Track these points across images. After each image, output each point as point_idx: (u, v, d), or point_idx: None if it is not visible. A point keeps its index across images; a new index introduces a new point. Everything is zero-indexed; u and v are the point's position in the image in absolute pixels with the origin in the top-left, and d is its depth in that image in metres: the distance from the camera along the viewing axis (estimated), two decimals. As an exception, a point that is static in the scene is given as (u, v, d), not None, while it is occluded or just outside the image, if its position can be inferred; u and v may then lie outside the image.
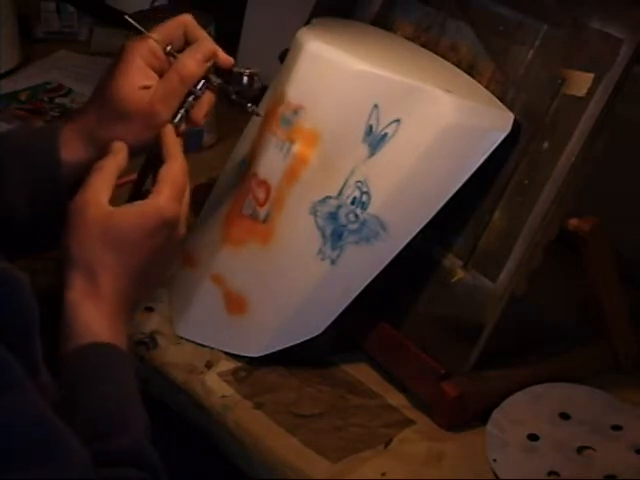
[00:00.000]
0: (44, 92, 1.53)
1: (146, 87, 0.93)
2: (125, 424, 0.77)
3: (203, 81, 0.95)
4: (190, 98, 0.95)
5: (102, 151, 0.91)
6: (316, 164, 0.95)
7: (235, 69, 0.98)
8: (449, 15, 1.02)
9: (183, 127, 0.95)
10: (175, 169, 0.89)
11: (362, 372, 0.98)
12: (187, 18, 0.98)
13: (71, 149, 0.93)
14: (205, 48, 0.95)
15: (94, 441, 0.72)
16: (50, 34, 1.68)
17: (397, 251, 0.93)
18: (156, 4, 1.42)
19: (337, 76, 0.95)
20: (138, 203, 0.86)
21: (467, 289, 0.93)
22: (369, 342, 0.97)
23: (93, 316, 0.81)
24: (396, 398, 0.95)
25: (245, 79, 0.97)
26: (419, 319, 0.95)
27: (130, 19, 0.99)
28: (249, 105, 0.98)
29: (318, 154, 0.95)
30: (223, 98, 0.98)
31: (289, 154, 0.96)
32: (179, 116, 0.95)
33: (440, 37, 1.03)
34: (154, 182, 0.89)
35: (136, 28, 0.97)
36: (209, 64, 0.95)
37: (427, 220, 0.92)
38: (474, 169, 0.92)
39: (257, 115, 1.00)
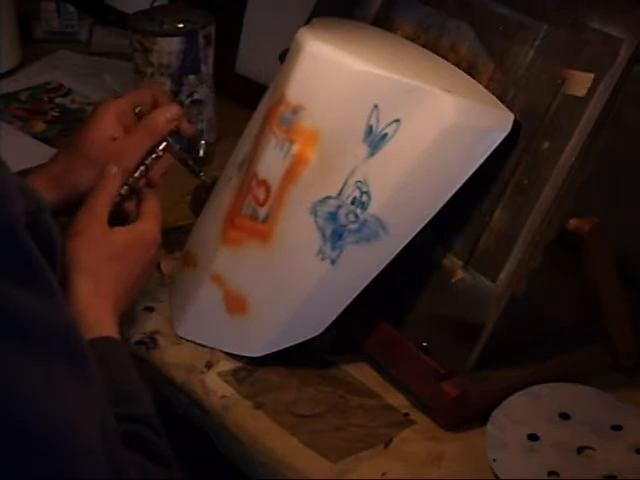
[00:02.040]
0: (44, 92, 1.53)
1: (114, 139, 1.03)
2: (137, 398, 0.84)
3: (165, 143, 1.04)
4: (152, 156, 1.04)
5: (67, 195, 1.01)
6: (316, 164, 0.95)
7: (193, 137, 1.09)
8: (449, 15, 1.02)
9: (142, 183, 1.03)
10: (156, 204, 1.02)
11: (362, 372, 0.98)
12: (156, 86, 1.13)
13: None
14: (173, 110, 1.05)
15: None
16: (50, 34, 1.68)
17: (397, 251, 0.93)
18: (156, 4, 1.42)
19: (337, 76, 0.95)
20: (133, 226, 0.99)
21: (467, 289, 0.93)
22: (369, 342, 0.97)
23: (102, 313, 0.91)
24: (396, 398, 0.95)
25: (202, 150, 1.11)
26: (419, 319, 0.95)
27: (108, 79, 1.15)
28: (202, 174, 1.08)
29: (318, 154, 0.95)
30: (179, 162, 1.08)
31: (289, 154, 0.96)
32: (139, 171, 1.02)
33: (440, 37, 1.03)
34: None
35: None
36: (174, 125, 1.05)
37: (427, 220, 0.92)
38: (474, 169, 0.92)
39: (206, 182, 1.09)
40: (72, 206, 0.99)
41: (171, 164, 1.07)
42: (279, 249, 0.96)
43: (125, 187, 1.01)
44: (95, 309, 0.90)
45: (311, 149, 0.95)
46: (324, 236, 0.94)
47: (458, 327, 0.92)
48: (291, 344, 0.96)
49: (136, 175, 1.02)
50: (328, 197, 0.94)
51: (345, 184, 0.94)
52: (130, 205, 1.02)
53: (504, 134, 0.92)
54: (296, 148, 0.95)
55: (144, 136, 1.04)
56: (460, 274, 0.94)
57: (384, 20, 1.08)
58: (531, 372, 0.94)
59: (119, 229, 0.97)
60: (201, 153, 1.09)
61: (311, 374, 0.97)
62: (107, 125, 1.03)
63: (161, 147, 1.04)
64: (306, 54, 0.97)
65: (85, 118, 1.07)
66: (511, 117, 0.93)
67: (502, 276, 0.91)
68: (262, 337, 0.97)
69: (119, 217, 1.00)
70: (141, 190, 1.03)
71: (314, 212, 0.95)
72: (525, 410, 0.91)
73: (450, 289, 0.94)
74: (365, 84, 0.93)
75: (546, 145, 0.91)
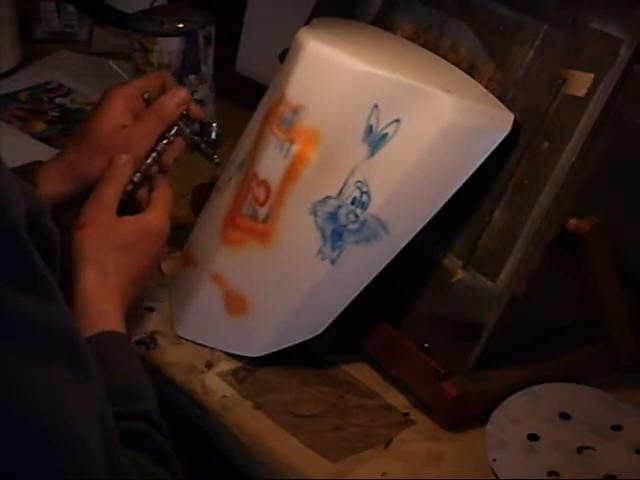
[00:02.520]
0: (44, 92, 1.53)
1: (124, 126, 1.02)
2: (139, 395, 0.84)
3: (176, 127, 1.04)
4: (163, 142, 1.03)
5: (78, 185, 1.01)
6: (316, 164, 0.95)
7: (204, 120, 1.08)
8: (449, 15, 1.02)
9: (155, 169, 1.02)
10: (168, 190, 1.01)
11: (362, 372, 0.98)
12: (164, 73, 1.12)
13: (48, 183, 1.00)
14: (181, 93, 1.05)
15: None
16: (50, 34, 1.68)
17: (397, 251, 0.93)
18: (156, 4, 1.42)
19: (337, 76, 0.95)
20: (142, 215, 0.98)
21: (467, 289, 0.93)
22: (369, 342, 0.97)
23: (108, 306, 0.91)
24: (396, 398, 0.95)
25: (214, 132, 1.08)
26: (419, 319, 0.95)
27: (114, 65, 1.13)
28: (215, 157, 1.08)
29: (318, 154, 0.95)
30: (191, 147, 1.07)
31: (289, 154, 0.96)
32: (151, 158, 1.02)
33: (440, 37, 1.03)
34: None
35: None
36: (183, 108, 1.04)
37: (427, 220, 0.92)
38: (474, 169, 0.92)
39: (218, 164, 1.08)
40: (83, 197, 0.98)
41: (182, 149, 1.06)
42: (279, 249, 0.96)
43: (138, 174, 1.01)
44: (101, 301, 0.90)
45: (311, 149, 0.95)
46: (324, 236, 0.94)
47: (458, 327, 0.92)
48: (291, 344, 0.96)
49: (148, 162, 1.02)
50: (328, 197, 0.94)
51: (345, 184, 0.94)
52: (143, 192, 1.01)
53: (504, 134, 0.92)
54: (296, 148, 0.95)
55: (154, 122, 1.03)
56: (460, 274, 0.94)
57: (384, 20, 1.08)
58: (531, 372, 0.94)
59: (127, 218, 0.96)
60: (213, 136, 1.07)
61: (311, 374, 0.97)
62: (116, 112, 1.03)
63: (172, 132, 1.04)
64: (306, 54, 0.97)
65: (94, 105, 1.06)
66: (511, 117, 0.93)
67: (502, 276, 0.91)
68: (262, 337, 0.97)
69: (132, 205, 1.00)
70: (154, 176, 1.02)
71: (314, 212, 0.95)
72: (525, 410, 0.91)
73: (450, 289, 0.94)
74: (365, 84, 0.93)
75: (546, 145, 0.91)
